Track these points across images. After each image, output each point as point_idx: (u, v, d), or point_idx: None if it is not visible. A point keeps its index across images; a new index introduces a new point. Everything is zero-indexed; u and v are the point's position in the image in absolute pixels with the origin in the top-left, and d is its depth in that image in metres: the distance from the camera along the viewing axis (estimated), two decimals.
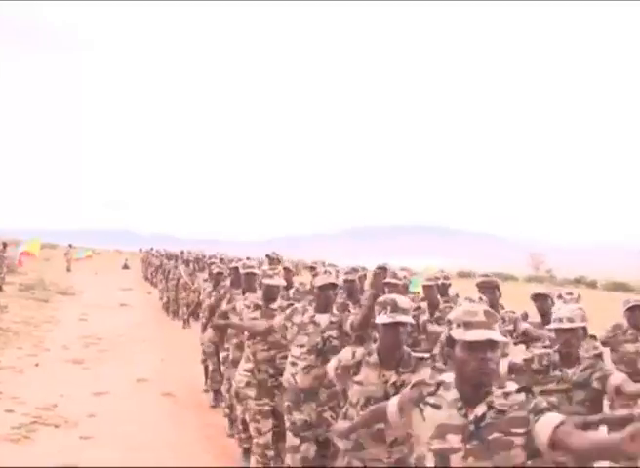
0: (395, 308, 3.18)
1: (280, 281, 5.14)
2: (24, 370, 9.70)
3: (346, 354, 3.44)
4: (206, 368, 8.71)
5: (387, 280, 5.55)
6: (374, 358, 3.32)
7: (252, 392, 5.01)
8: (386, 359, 3.28)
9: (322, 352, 4.25)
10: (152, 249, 29.89)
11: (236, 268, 7.91)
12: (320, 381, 4.23)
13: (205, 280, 9.14)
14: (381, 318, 3.20)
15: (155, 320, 16.45)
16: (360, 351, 3.40)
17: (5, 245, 21.50)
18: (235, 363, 5.71)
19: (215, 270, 8.02)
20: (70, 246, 36.31)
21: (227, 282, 7.20)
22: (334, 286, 4.35)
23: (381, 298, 3.32)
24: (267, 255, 7.55)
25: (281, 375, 4.64)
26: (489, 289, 5.47)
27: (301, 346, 4.34)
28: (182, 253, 17.84)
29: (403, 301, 3.25)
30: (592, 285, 38.88)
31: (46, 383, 8.90)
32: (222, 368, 7.44)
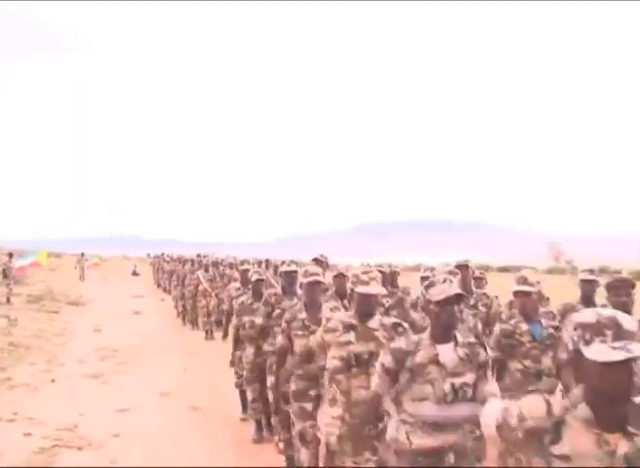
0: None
1: (379, 289, 3.79)
2: (40, 388, 9.34)
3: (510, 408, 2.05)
4: (242, 393, 7.57)
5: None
6: (584, 413, 1.94)
7: (347, 446, 3.82)
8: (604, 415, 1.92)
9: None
10: (163, 254, 29.58)
11: (245, 271, 7.74)
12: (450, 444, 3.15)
13: (238, 289, 7.89)
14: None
15: (172, 328, 16.17)
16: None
17: (11, 255, 21.17)
18: (299, 396, 4.67)
19: (253, 277, 6.91)
20: (83, 254, 35.50)
21: (273, 290, 6.13)
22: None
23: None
24: (315, 259, 7.08)
25: (381, 421, 3.69)
26: (623, 289, 4.62)
27: (422, 399, 3.17)
28: (199, 256, 17.41)
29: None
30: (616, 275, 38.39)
31: (64, 401, 8.54)
32: (270, 395, 5.89)
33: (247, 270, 7.80)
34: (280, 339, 4.73)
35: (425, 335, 3.20)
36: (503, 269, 63.27)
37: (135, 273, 39.98)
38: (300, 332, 4.60)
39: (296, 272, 5.52)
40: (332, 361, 3.87)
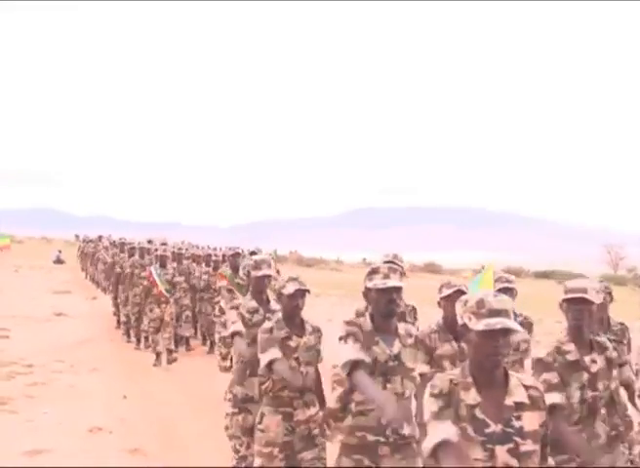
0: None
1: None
2: None
3: None
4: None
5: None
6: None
7: None
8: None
9: None
10: (101, 237, 29.11)
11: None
12: None
13: (255, 311, 6.39)
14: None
15: (109, 338, 16.10)
16: None
17: None
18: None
19: (261, 272, 6.39)
20: None
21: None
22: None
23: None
24: (389, 261, 6.61)
25: None
26: None
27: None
28: (151, 242, 16.68)
29: None
30: None
31: None
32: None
33: (238, 254, 9.74)
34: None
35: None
36: (542, 275, 63.73)
37: (59, 260, 39.74)
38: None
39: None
40: None
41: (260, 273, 6.42)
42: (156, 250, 14.86)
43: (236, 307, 6.40)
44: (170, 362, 12.98)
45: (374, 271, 4.55)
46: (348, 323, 4.58)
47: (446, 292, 5.55)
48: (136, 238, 17.89)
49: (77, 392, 10.70)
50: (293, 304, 5.40)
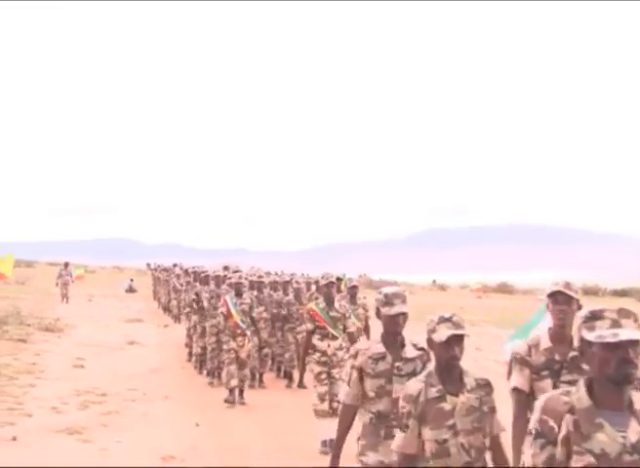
0: None
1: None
2: None
3: None
4: None
5: None
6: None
7: None
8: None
9: None
10: (175, 266, 29.12)
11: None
12: None
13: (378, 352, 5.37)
14: None
15: (179, 365, 16.11)
16: None
17: None
18: None
19: (393, 308, 5.19)
20: (67, 265, 33.36)
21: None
22: None
23: None
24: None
25: None
26: None
27: None
28: (227, 269, 16.23)
29: None
30: None
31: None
32: None
33: (332, 284, 9.73)
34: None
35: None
36: (621, 293, 62.04)
37: (130, 289, 40.15)
38: None
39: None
40: None
41: (392, 311, 5.13)
42: (230, 277, 13.82)
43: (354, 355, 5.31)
44: (241, 403, 12.20)
45: (596, 316, 2.93)
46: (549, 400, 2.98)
47: None
48: (204, 265, 17.83)
49: (150, 420, 10.74)
50: (448, 355, 4.21)
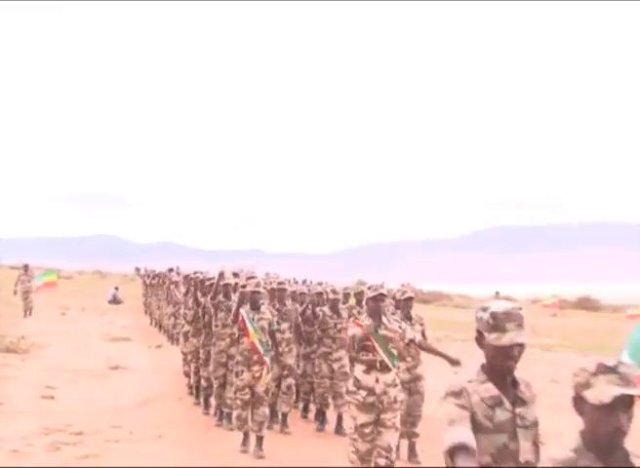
0: None
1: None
2: None
3: None
4: None
5: None
6: None
7: None
8: None
9: None
10: (171, 271, 29.00)
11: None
12: None
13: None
14: None
15: (175, 396, 16.13)
16: None
17: None
18: None
19: (505, 336, 4.50)
20: (26, 268, 33.32)
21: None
22: None
23: None
24: None
25: None
26: None
27: None
28: (237, 275, 16.20)
29: None
30: None
31: None
32: None
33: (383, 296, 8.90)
34: None
35: None
36: None
37: (115, 300, 40.21)
38: None
39: None
40: None
41: (504, 340, 4.38)
42: (243, 286, 12.90)
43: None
44: (259, 455, 11.42)
45: None
46: None
47: None
48: (209, 271, 17.37)
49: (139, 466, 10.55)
50: (610, 425, 3.54)
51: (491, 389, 4.34)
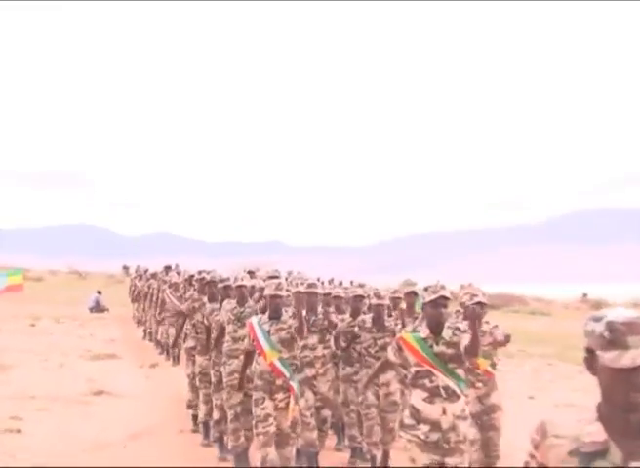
0: None
1: None
2: None
3: None
4: None
5: None
6: None
7: None
8: None
9: None
10: (168, 269, 29.18)
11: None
12: None
13: None
14: None
15: (175, 428, 16.22)
16: None
17: None
18: None
19: (623, 359, 3.87)
20: None
21: None
22: None
23: None
24: None
25: None
26: None
27: None
28: (252, 273, 16.42)
29: None
30: None
31: None
32: None
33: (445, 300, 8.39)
34: None
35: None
36: None
37: (98, 307, 40.31)
38: None
39: None
40: None
41: (624, 360, 3.81)
42: (262, 288, 13.16)
43: None
44: None
45: None
46: None
47: None
48: (216, 269, 16.98)
49: None
50: None
51: (595, 432, 3.85)
